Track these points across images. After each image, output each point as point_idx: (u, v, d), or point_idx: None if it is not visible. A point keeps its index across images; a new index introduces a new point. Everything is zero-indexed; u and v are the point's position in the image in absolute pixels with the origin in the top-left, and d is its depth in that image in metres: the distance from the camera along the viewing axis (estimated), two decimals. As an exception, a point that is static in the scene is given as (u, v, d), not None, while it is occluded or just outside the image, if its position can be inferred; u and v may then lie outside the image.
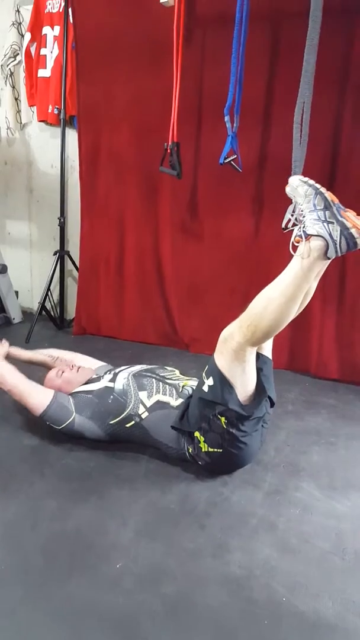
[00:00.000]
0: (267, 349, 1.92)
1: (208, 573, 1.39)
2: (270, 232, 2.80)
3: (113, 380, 2.01)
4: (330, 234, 1.55)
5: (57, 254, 3.49)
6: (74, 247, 3.56)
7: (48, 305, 3.51)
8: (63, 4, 3.16)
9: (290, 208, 1.86)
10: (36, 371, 2.28)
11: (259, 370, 1.77)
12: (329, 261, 1.62)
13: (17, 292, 3.82)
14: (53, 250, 3.53)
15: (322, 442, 2.15)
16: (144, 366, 2.13)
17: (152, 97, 2.90)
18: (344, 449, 2.12)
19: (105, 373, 2.11)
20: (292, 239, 1.62)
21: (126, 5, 2.86)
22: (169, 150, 2.62)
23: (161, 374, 2.03)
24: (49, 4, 3.34)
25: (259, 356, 1.80)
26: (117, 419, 1.92)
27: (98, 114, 3.14)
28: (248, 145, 2.66)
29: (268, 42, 2.62)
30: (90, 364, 2.34)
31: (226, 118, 2.39)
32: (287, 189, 1.67)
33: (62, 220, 3.48)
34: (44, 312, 3.46)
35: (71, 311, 3.69)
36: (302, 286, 1.60)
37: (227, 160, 2.43)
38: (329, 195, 1.59)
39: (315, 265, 1.59)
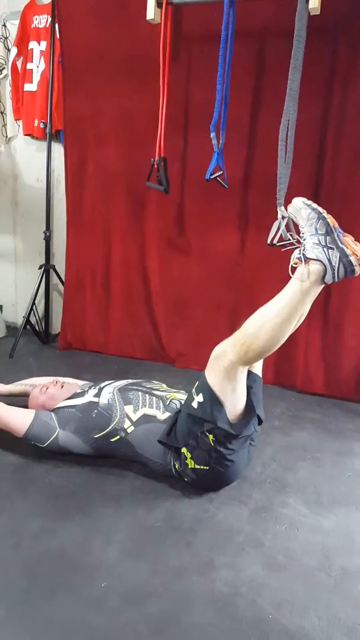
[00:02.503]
0: (258, 367, 1.93)
1: (194, 591, 1.38)
2: (256, 248, 2.82)
3: (98, 395, 2.00)
4: (329, 260, 1.57)
5: (43, 268, 3.47)
6: (59, 261, 3.55)
7: (33, 319, 3.48)
8: (50, 19, 3.18)
9: (276, 224, 1.88)
10: (18, 401, 2.25)
11: (249, 389, 1.77)
12: (323, 286, 1.63)
13: (1, 307, 3.80)
14: (38, 264, 3.51)
15: (308, 458, 2.15)
16: (130, 380, 2.12)
17: (139, 113, 2.92)
18: (330, 464, 2.12)
19: (90, 388, 2.10)
20: (292, 261, 1.63)
21: (113, 22, 2.88)
22: (155, 166, 2.63)
23: (147, 386, 2.03)
24: (36, 19, 3.35)
25: (249, 374, 1.79)
26: (102, 433, 1.90)
27: (84, 129, 3.15)
28: (234, 161, 2.68)
29: (253, 61, 2.65)
30: (74, 382, 2.32)
31: (212, 135, 2.41)
32: (290, 209, 1.69)
33: (47, 234, 3.47)
34: (28, 327, 3.44)
35: (56, 326, 3.67)
36: (298, 308, 1.61)
37: (213, 177, 2.44)
38: (331, 220, 1.60)
39: (312, 290, 1.61)
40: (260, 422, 1.84)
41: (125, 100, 2.98)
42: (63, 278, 3.47)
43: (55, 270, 3.54)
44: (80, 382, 2.33)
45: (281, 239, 1.87)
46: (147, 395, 1.95)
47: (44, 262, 3.51)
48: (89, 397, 2.01)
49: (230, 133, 2.50)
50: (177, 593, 1.37)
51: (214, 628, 1.27)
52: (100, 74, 3.01)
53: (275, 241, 1.87)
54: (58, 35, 3.11)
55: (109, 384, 2.09)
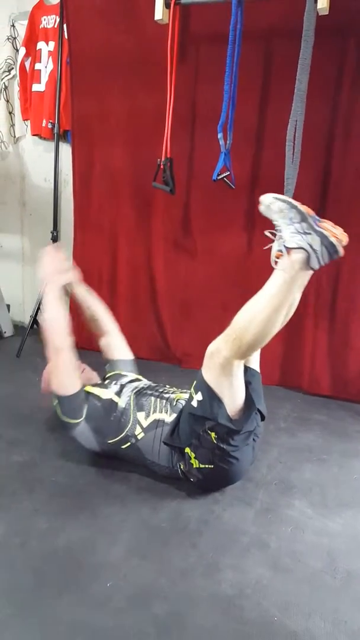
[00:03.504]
0: (255, 362, 1.93)
1: (199, 592, 1.38)
2: (263, 249, 2.81)
3: (119, 393, 1.98)
4: (310, 245, 1.56)
5: (50, 268, 3.47)
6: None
7: (40, 319, 3.49)
8: (58, 20, 3.18)
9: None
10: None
11: (248, 384, 1.77)
12: (312, 272, 1.62)
13: (8, 306, 3.80)
14: (45, 264, 3.52)
15: (314, 459, 2.15)
16: (146, 382, 2.13)
17: (146, 113, 2.92)
18: (336, 466, 2.11)
19: (112, 383, 2.08)
20: (273, 255, 1.63)
21: (121, 22, 2.89)
22: (162, 166, 2.63)
23: (160, 390, 2.03)
24: (44, 19, 3.36)
25: (247, 369, 1.80)
26: (115, 439, 1.90)
27: (92, 129, 3.15)
28: (241, 162, 2.68)
29: (261, 61, 2.65)
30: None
31: (219, 135, 2.40)
32: (261, 208, 1.68)
33: (54, 234, 3.48)
34: (35, 326, 3.44)
35: (63, 325, 3.67)
36: (286, 298, 1.60)
37: (220, 177, 2.44)
38: (304, 208, 1.60)
39: (299, 277, 1.60)
40: (262, 417, 1.84)
41: (133, 100, 2.98)
42: (70, 278, 3.47)
43: (62, 270, 3.54)
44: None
45: None
46: (158, 400, 1.95)
47: (51, 262, 3.51)
48: (111, 393, 1.99)
49: (238, 133, 2.49)
50: (182, 594, 1.37)
51: (219, 630, 1.27)
52: (108, 74, 3.02)
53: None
54: (66, 36, 3.11)
55: (129, 381, 2.09)
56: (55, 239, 3.47)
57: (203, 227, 3.02)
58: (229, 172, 2.46)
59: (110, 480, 1.89)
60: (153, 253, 3.19)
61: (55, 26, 3.27)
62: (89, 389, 2.02)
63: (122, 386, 2.04)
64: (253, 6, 2.37)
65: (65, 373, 1.94)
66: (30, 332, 3.36)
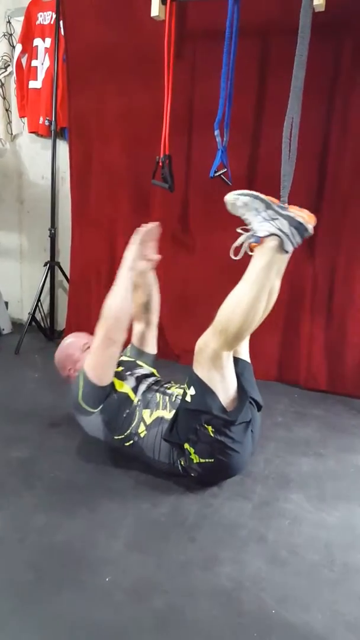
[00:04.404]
0: (244, 353, 1.95)
1: (198, 586, 1.39)
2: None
3: (135, 390, 1.96)
4: (280, 229, 1.62)
5: (48, 265, 3.48)
6: (64, 258, 3.56)
7: (38, 316, 3.50)
8: (54, 16, 3.18)
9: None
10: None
11: (240, 375, 1.80)
12: (289, 255, 1.66)
13: (7, 303, 3.81)
14: (43, 261, 3.52)
15: (311, 454, 2.16)
16: (156, 377, 2.14)
17: (143, 110, 2.93)
18: (333, 460, 2.13)
19: (127, 373, 2.04)
20: (246, 247, 1.66)
21: (117, 19, 2.89)
22: (160, 163, 2.63)
23: (164, 385, 2.04)
24: (40, 16, 3.36)
25: (237, 361, 1.83)
26: (121, 437, 1.91)
27: (89, 126, 3.16)
28: (238, 159, 2.69)
29: (257, 58, 2.65)
30: None
31: (216, 132, 2.41)
32: (228, 207, 1.72)
33: (52, 231, 3.48)
34: (34, 323, 3.45)
35: (61, 322, 3.68)
36: (265, 285, 1.64)
37: (217, 174, 2.45)
38: (267, 197, 1.65)
39: (274, 262, 1.64)
40: (259, 408, 1.86)
41: (130, 97, 2.98)
42: (68, 275, 3.49)
43: (60, 267, 3.55)
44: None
45: None
46: (162, 396, 1.95)
47: (49, 259, 3.52)
48: (128, 387, 1.96)
49: (235, 130, 2.50)
50: (181, 587, 1.38)
51: (218, 622, 1.28)
52: (105, 71, 3.02)
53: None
54: (62, 32, 3.11)
55: (145, 376, 2.08)
56: (53, 236, 3.48)
57: (201, 224, 3.02)
58: (226, 169, 2.47)
59: (109, 475, 1.90)
60: (151, 250, 3.19)
61: (52, 22, 3.26)
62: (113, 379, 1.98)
63: (139, 380, 2.02)
64: (249, 3, 2.37)
65: (107, 365, 1.88)
66: (29, 330, 3.38)
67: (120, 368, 2.04)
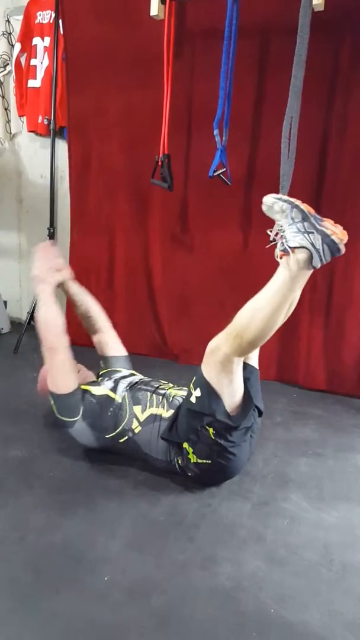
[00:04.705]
0: (254, 359, 1.94)
1: (197, 585, 1.39)
2: (259, 245, 2.78)
3: (114, 390, 1.99)
4: (312, 244, 1.57)
5: (46, 264, 3.47)
6: (63, 257, 3.55)
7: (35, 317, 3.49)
8: (53, 15, 3.18)
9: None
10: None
11: (246, 380, 1.78)
12: (312, 270, 1.64)
13: (5, 302, 3.81)
14: (42, 260, 3.51)
15: (310, 453, 2.17)
16: (140, 377, 2.14)
17: (143, 109, 2.93)
18: (332, 459, 2.13)
19: (105, 379, 2.09)
20: (277, 255, 1.64)
21: (116, 18, 2.89)
22: (159, 162, 2.63)
23: (155, 385, 2.04)
24: (40, 14, 3.35)
25: (245, 366, 1.80)
26: (113, 434, 1.91)
27: (88, 125, 3.16)
28: (237, 158, 2.69)
29: (257, 57, 2.65)
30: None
31: (215, 132, 2.41)
32: (263, 208, 1.69)
33: (51, 230, 3.47)
34: (32, 323, 3.44)
35: (60, 321, 3.68)
36: (287, 296, 1.62)
37: (216, 173, 2.45)
38: (305, 207, 1.61)
39: (300, 276, 1.61)
40: (260, 413, 1.86)
41: (129, 96, 2.98)
42: (67, 274, 3.47)
43: (59, 266, 3.54)
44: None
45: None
46: (154, 395, 1.96)
47: (47, 258, 3.51)
48: (106, 389, 1.99)
49: (234, 130, 2.50)
50: (180, 587, 1.38)
51: (217, 622, 1.28)
52: (104, 70, 3.02)
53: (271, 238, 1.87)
54: (62, 31, 3.10)
55: (123, 377, 2.10)
56: (52, 235, 3.47)
57: (200, 223, 3.02)
58: (225, 169, 2.47)
59: (108, 475, 1.90)
60: (150, 249, 3.19)
61: (51, 21, 3.26)
62: (83, 387, 2.02)
63: (116, 381, 2.05)
64: (248, 2, 2.37)
65: (60, 372, 1.93)
66: (28, 329, 3.37)
67: (99, 379, 2.12)
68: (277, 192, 1.81)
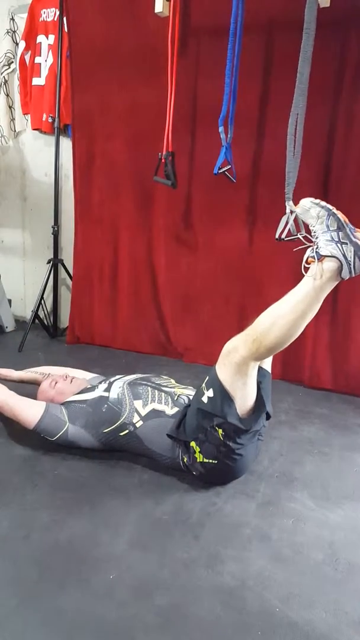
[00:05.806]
0: (267, 363, 1.92)
1: (201, 584, 1.39)
2: (264, 243, 2.81)
3: (108, 389, 2.01)
4: (344, 255, 1.55)
5: (51, 263, 3.48)
6: (67, 255, 3.56)
7: (41, 313, 3.50)
8: (58, 13, 3.18)
9: (284, 219, 1.87)
10: (27, 388, 2.26)
11: (258, 384, 1.76)
12: (339, 281, 1.62)
13: (10, 301, 3.81)
14: (46, 259, 3.52)
15: (315, 452, 2.16)
16: (139, 375, 2.13)
17: (147, 107, 2.92)
18: (338, 459, 2.12)
19: (100, 383, 2.10)
20: (304, 261, 1.62)
21: (121, 15, 2.88)
22: (163, 160, 2.63)
23: (157, 382, 2.03)
24: (44, 12, 3.35)
25: (259, 369, 1.78)
26: (111, 428, 1.91)
27: (92, 123, 3.15)
28: (242, 156, 2.68)
29: (262, 54, 2.64)
30: (83, 375, 2.33)
31: (220, 129, 2.40)
32: (298, 210, 1.67)
33: (55, 228, 3.48)
34: (37, 321, 3.46)
35: (64, 320, 3.68)
36: (312, 305, 1.60)
37: (221, 171, 2.44)
38: (341, 216, 1.59)
39: (327, 286, 1.59)
40: (268, 417, 1.85)
41: (134, 94, 2.98)
42: (71, 272, 3.48)
43: (64, 264, 3.55)
44: (89, 376, 2.33)
45: (289, 233, 1.86)
46: (156, 391, 1.96)
47: (52, 256, 3.52)
48: (99, 391, 2.02)
49: (239, 127, 2.49)
50: (184, 585, 1.38)
51: (221, 621, 1.27)
52: (109, 68, 3.01)
53: (283, 236, 1.86)
54: (66, 29, 3.11)
55: (119, 378, 2.10)
56: (56, 233, 3.48)
57: (204, 221, 3.01)
58: (230, 166, 2.46)
59: (112, 473, 1.90)
60: (154, 247, 3.19)
61: (55, 19, 3.27)
62: (72, 398, 2.04)
63: (110, 383, 2.05)
64: (254, -2, 2.36)
65: (19, 413, 2.00)
66: (32, 327, 3.38)
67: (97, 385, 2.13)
68: (282, 190, 1.80)
